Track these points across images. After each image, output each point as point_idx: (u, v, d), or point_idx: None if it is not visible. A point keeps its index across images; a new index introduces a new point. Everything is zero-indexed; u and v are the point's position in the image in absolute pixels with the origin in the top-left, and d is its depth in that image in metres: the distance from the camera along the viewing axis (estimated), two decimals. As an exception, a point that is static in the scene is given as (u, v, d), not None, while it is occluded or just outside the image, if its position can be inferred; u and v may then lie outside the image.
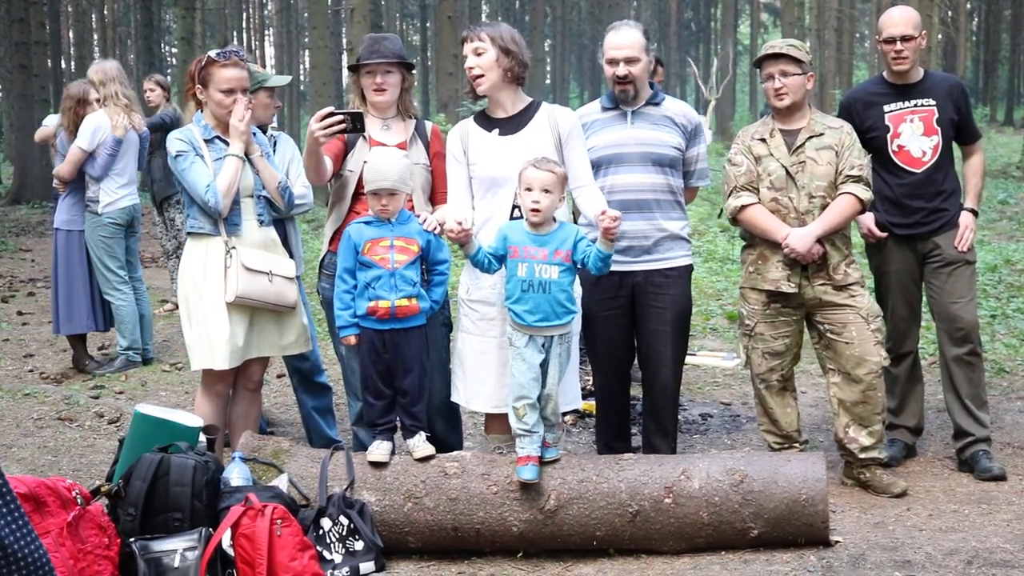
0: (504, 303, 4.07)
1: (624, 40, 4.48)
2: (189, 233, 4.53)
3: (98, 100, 7.02)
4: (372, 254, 4.11)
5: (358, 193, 4.41)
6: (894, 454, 4.99)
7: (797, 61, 4.58)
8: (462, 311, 4.36)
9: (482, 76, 4.23)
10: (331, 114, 4.19)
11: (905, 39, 4.79)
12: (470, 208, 4.33)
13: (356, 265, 4.14)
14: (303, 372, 5.23)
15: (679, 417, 5.27)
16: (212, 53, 4.50)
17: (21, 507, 1.87)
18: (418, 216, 4.28)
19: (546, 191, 3.96)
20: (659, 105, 4.58)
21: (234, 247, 4.41)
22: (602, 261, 4.00)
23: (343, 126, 4.20)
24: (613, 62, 4.48)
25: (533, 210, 3.98)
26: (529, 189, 3.97)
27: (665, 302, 4.52)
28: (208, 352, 4.42)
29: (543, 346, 4.02)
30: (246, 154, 4.47)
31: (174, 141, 4.45)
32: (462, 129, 4.39)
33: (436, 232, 4.23)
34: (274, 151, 5.08)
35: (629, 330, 4.61)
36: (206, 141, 4.47)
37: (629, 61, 4.45)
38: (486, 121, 4.36)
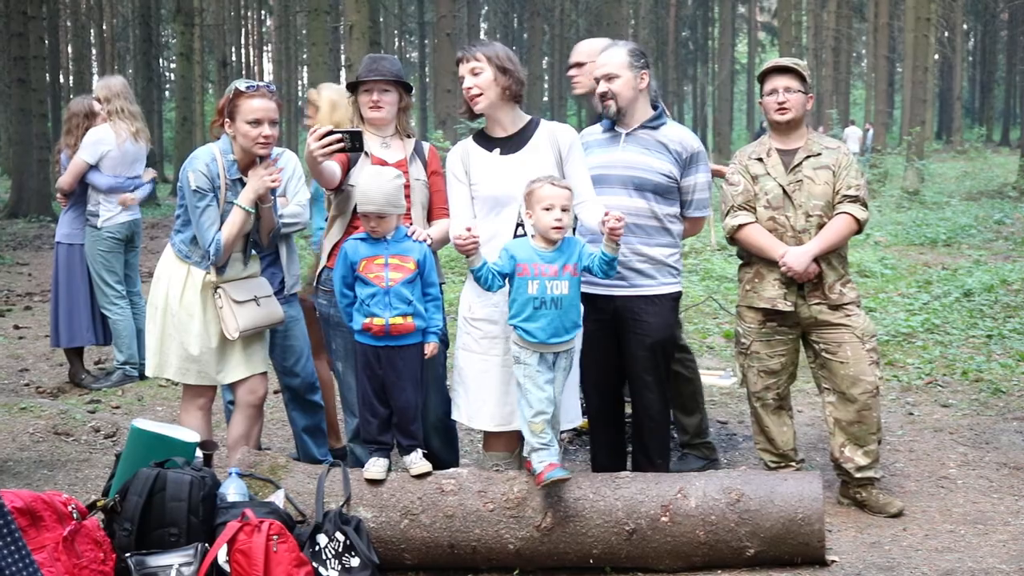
0: (509, 321, 4.07)
1: (601, 57, 4.61)
2: (177, 253, 4.53)
3: (103, 115, 7.04)
4: (367, 272, 4.12)
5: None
6: None
7: (802, 78, 4.62)
8: (463, 329, 4.35)
9: (480, 95, 4.25)
10: (329, 133, 4.13)
11: (608, 78, 4.55)
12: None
13: (353, 280, 4.15)
14: (294, 389, 5.21)
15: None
16: (241, 85, 4.41)
17: (19, 533, 1.87)
18: (407, 226, 4.27)
19: (564, 208, 3.99)
20: (656, 129, 4.57)
21: (220, 287, 4.45)
22: (607, 264, 4.02)
23: (341, 145, 4.15)
24: (596, 80, 4.61)
25: (557, 227, 3.99)
26: (550, 208, 3.97)
27: (645, 329, 4.50)
28: (158, 362, 4.54)
29: (552, 362, 4.04)
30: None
31: (199, 174, 4.35)
32: (462, 149, 4.40)
33: (425, 240, 4.21)
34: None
35: (616, 352, 4.61)
36: (231, 180, 4.43)
37: (608, 78, 4.54)
38: (486, 141, 4.37)
